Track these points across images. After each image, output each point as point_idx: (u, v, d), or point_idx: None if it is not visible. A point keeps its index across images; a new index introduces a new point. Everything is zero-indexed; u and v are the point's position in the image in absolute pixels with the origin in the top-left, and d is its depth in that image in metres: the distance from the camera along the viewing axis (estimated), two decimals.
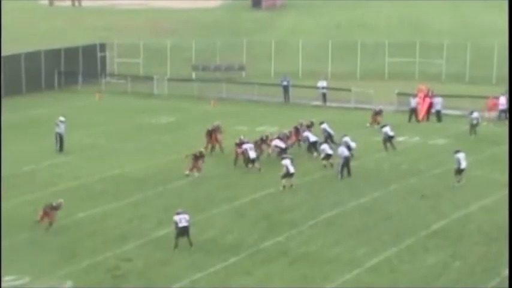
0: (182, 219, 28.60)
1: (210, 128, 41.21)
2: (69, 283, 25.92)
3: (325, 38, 68.76)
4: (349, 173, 36.86)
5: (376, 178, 37.00)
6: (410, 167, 38.32)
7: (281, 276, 26.69)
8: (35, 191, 35.27)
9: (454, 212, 32.58)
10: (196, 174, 36.99)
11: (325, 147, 38.73)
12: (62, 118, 41.85)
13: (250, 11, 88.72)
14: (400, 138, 40.93)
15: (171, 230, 29.20)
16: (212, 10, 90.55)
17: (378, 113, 47.42)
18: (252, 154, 38.20)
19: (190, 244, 28.53)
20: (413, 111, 49.88)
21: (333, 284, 26.01)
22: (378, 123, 45.42)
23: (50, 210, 30.49)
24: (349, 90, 54.75)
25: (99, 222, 31.59)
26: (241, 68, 65.42)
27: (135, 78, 61.90)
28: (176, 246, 28.50)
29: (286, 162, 35.65)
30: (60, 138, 41.52)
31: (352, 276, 26.59)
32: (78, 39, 67.91)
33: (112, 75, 64.51)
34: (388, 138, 40.99)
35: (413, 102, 50.18)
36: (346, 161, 36.90)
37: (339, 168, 36.81)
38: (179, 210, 28.98)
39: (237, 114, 50.48)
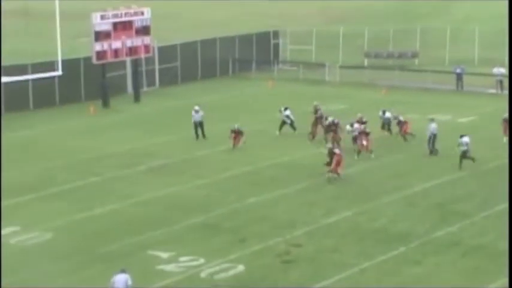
0: None
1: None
2: (240, 266, 26.39)
3: (502, 25, 66.66)
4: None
5: None
6: None
7: (452, 267, 26.19)
8: (208, 176, 36.11)
9: None
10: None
11: None
12: (196, 107, 42.92)
13: None
14: None
15: (338, 218, 29.21)
16: None
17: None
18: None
19: None
20: None
21: (508, 278, 25.28)
22: None
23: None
24: None
25: (269, 207, 31.99)
26: (415, 55, 64.43)
27: (307, 65, 62.18)
28: None
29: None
30: (200, 126, 42.43)
31: None
32: (252, 26, 68.89)
33: (284, 62, 65.09)
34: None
35: None
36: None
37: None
38: None
39: (409, 103, 49.80)
